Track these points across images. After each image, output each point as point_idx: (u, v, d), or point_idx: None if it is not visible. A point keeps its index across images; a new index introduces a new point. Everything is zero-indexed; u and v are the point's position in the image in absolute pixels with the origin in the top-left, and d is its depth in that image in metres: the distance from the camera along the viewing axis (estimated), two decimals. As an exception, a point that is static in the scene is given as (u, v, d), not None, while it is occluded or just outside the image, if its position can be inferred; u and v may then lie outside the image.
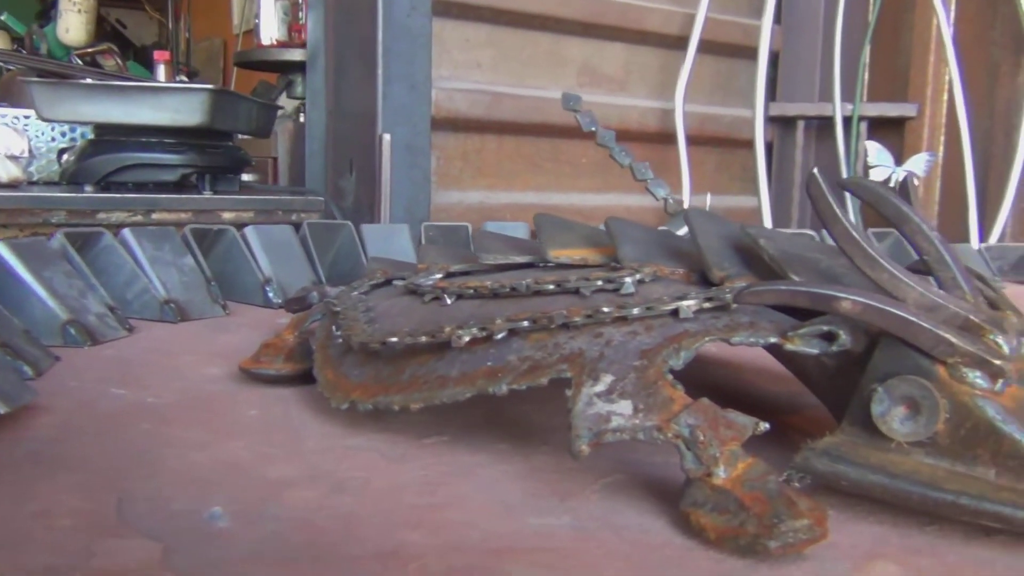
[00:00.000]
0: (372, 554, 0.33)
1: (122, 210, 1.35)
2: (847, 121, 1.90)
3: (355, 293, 0.59)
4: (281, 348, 0.57)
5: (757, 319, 0.41)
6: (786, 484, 0.38)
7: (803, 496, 0.36)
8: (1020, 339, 0.40)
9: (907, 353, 0.38)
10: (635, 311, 0.42)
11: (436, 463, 0.43)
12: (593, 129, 0.94)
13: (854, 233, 0.39)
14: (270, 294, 0.82)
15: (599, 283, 0.46)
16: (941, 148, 1.91)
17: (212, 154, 1.53)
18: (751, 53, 1.86)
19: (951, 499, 0.35)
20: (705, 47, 1.88)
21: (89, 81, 1.63)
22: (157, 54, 2.05)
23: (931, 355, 0.37)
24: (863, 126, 1.93)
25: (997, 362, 0.37)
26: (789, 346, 0.40)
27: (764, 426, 0.37)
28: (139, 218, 1.37)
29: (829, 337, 0.39)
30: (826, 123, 1.93)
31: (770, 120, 2.03)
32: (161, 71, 2.02)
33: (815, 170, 0.39)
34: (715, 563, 0.33)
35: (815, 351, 0.40)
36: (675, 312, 0.42)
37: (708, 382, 0.61)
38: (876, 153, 1.76)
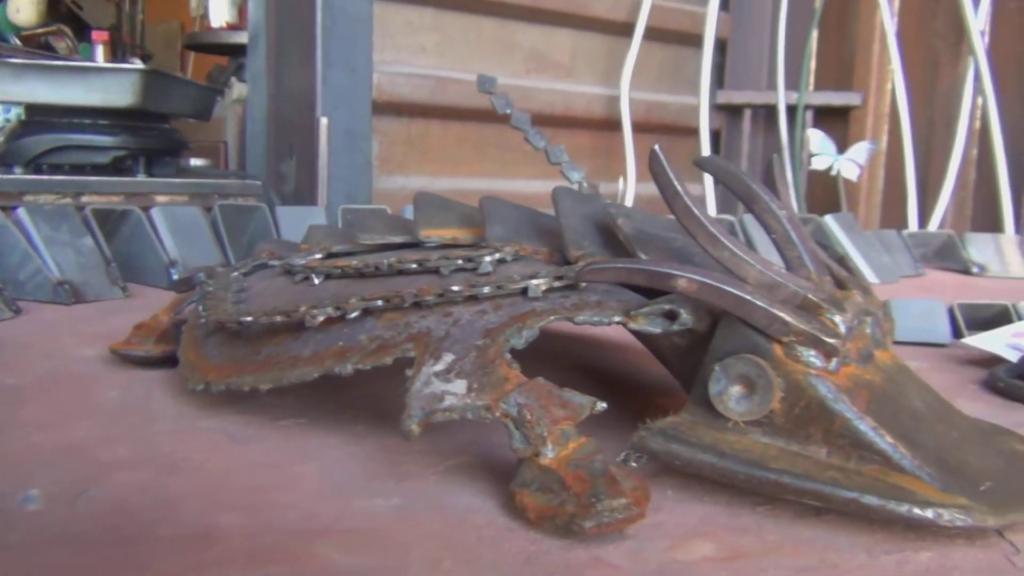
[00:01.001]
0: (180, 536, 0.32)
1: (50, 192, 1.31)
2: (793, 110, 1.91)
3: (235, 274, 0.57)
4: (153, 329, 0.56)
5: (606, 298, 0.41)
6: (623, 464, 0.38)
7: (631, 476, 0.35)
8: (862, 318, 0.40)
9: (745, 332, 0.37)
10: (485, 290, 0.42)
11: (283, 445, 0.42)
12: (508, 112, 0.92)
13: (695, 210, 0.38)
14: (174, 276, 0.81)
15: (459, 262, 0.45)
16: (885, 137, 1.92)
17: (147, 136, 1.50)
18: (699, 40, 1.87)
19: (774, 478, 0.34)
20: (652, 34, 1.88)
21: (15, 60, 1.58)
22: (96, 34, 2.00)
23: (767, 334, 0.37)
24: (808, 114, 1.94)
25: (831, 341, 0.37)
26: (632, 325, 0.39)
27: (601, 406, 0.37)
28: (68, 201, 1.34)
29: (671, 316, 0.39)
30: (773, 111, 1.93)
31: (718, 108, 2.04)
32: (99, 52, 1.97)
33: (656, 147, 0.39)
34: (531, 543, 0.33)
35: (658, 330, 0.39)
36: (525, 291, 0.41)
37: (597, 364, 0.60)
38: (818, 141, 1.77)
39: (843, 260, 0.45)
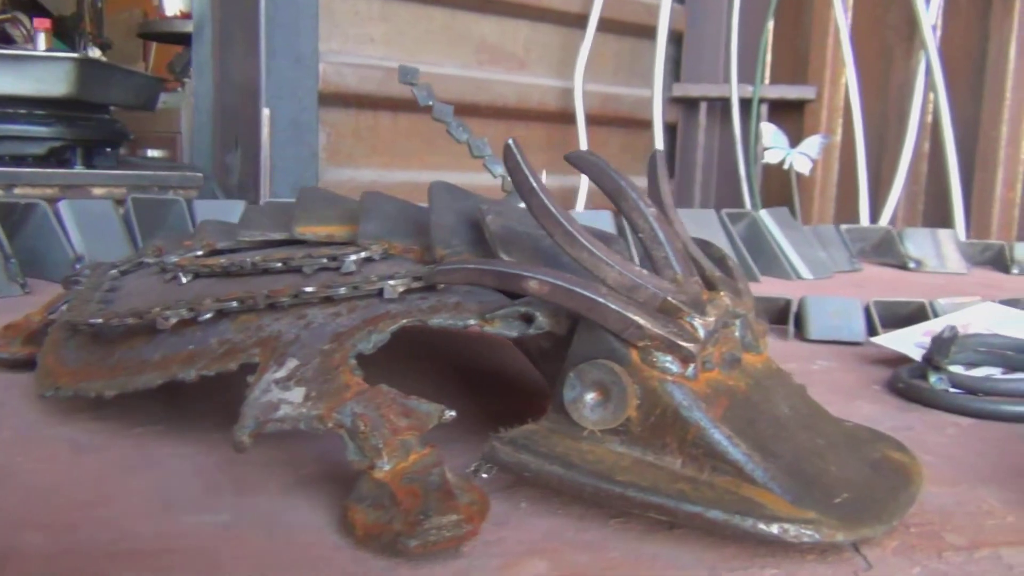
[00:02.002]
0: (-26, 559, 0.30)
1: (-18, 183, 1.28)
2: (748, 103, 1.90)
3: (113, 271, 0.55)
4: (23, 330, 0.53)
5: (466, 300, 0.39)
6: (473, 475, 0.36)
7: (473, 489, 0.34)
8: (729, 321, 0.38)
9: (602, 336, 0.36)
10: (341, 291, 0.40)
11: (129, 455, 0.40)
12: (430, 103, 0.90)
13: (552, 208, 0.36)
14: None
15: (323, 261, 0.43)
16: (839, 131, 1.92)
17: (84, 127, 1.47)
18: (655, 33, 1.85)
19: (619, 491, 0.33)
20: (608, 26, 1.86)
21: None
22: (37, 22, 1.95)
23: (623, 338, 0.35)
24: (764, 108, 1.94)
25: (688, 346, 0.35)
26: (488, 328, 0.37)
27: (450, 414, 0.35)
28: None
29: (528, 319, 0.37)
30: (729, 105, 1.92)
31: (674, 101, 2.02)
32: (41, 40, 1.92)
33: (510, 140, 0.37)
34: (354, 563, 0.31)
35: (514, 333, 0.37)
36: (381, 292, 0.39)
37: (494, 363, 0.59)
38: (771, 135, 1.76)
39: (723, 260, 0.44)
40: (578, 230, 0.37)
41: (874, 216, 1.76)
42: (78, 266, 0.79)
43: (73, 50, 2.98)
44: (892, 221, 1.76)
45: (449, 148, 1.92)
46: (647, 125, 1.91)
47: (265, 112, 1.49)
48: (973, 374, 0.55)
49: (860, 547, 0.33)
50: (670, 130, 2.08)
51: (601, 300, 0.35)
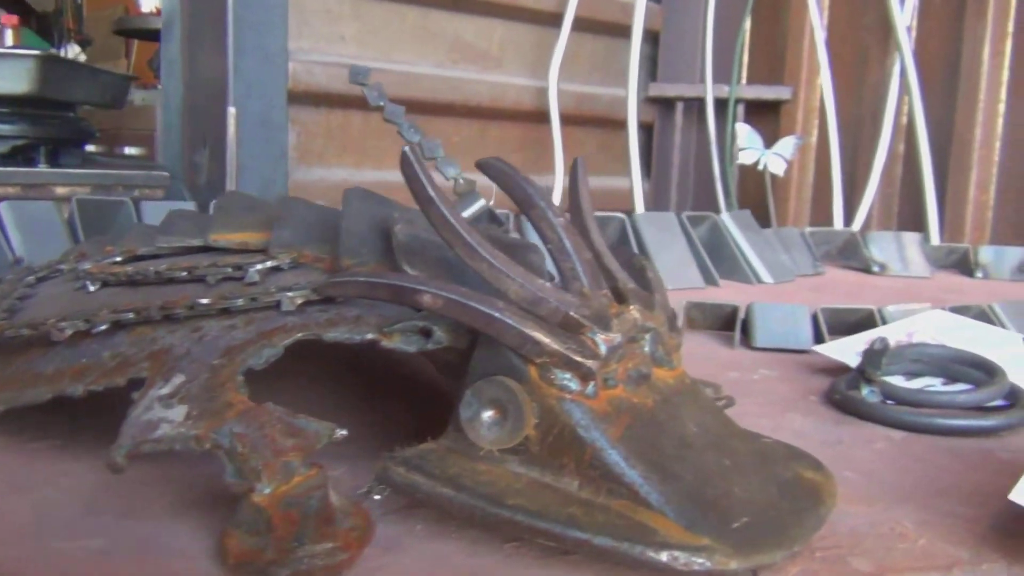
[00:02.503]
0: None
1: (-62, 183, 1.25)
2: (724, 103, 1.89)
3: (30, 277, 0.53)
4: (-68, 339, 0.52)
5: (367, 313, 0.37)
6: (364, 497, 0.35)
7: (356, 513, 0.32)
8: (639, 336, 0.37)
9: (503, 352, 0.34)
10: (239, 302, 0.38)
11: (16, 472, 0.38)
12: (381, 104, 0.89)
13: (450, 218, 0.35)
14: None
15: (228, 270, 0.42)
16: (815, 132, 1.91)
17: (48, 125, 1.45)
18: (631, 32, 1.83)
19: (508, 515, 0.31)
20: (584, 25, 1.84)
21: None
22: (4, 18, 1.93)
23: (522, 354, 0.34)
24: (740, 108, 1.93)
25: (587, 363, 0.34)
26: (386, 343, 0.36)
27: (341, 433, 0.34)
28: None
29: (427, 333, 0.36)
30: (706, 105, 1.91)
31: (650, 101, 2.01)
32: (8, 36, 1.90)
33: (406, 148, 0.35)
34: (222, 593, 0.29)
35: (412, 348, 0.36)
36: (279, 304, 0.38)
37: (415, 377, 0.57)
38: (746, 136, 1.75)
39: (643, 270, 0.42)
40: (478, 241, 0.35)
41: (848, 218, 1.75)
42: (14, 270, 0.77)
43: (53, 46, 2.95)
44: (866, 223, 1.75)
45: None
46: (624, 125, 1.90)
47: (231, 111, 1.47)
48: (910, 385, 0.54)
49: (758, 574, 0.32)
50: (647, 130, 2.06)
51: (497, 315, 0.33)
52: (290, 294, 0.38)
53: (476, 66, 1.81)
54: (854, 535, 0.35)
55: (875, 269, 1.07)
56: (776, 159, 1.72)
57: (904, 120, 1.74)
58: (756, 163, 1.72)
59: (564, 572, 0.32)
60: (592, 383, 0.34)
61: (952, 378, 0.54)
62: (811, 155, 1.93)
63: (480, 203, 0.83)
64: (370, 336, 0.36)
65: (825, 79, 1.73)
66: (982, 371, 0.52)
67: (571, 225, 0.38)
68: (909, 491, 0.40)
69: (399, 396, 0.51)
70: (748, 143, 1.74)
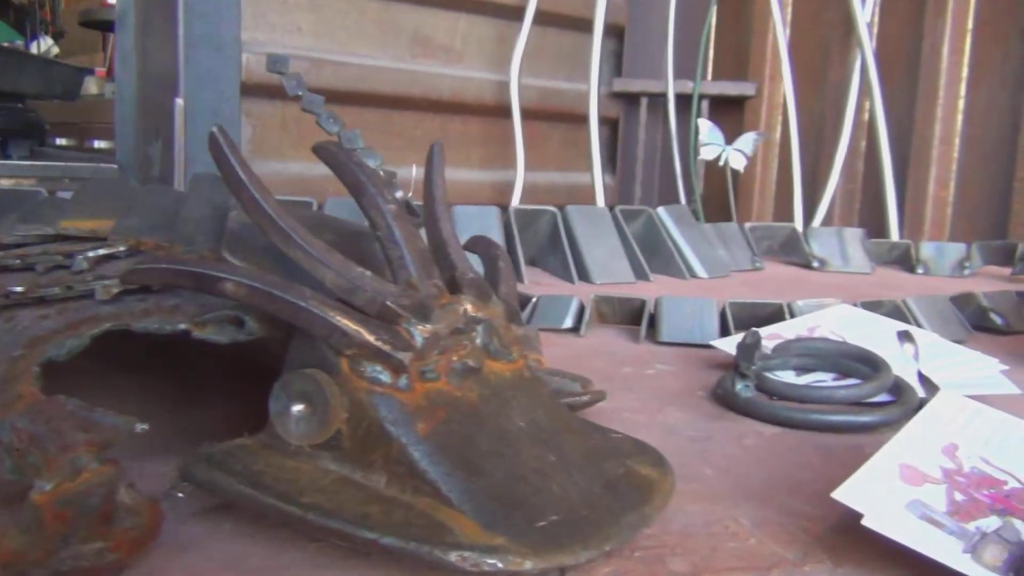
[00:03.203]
0: None
1: None
2: (689, 99, 1.88)
3: None
4: None
5: (186, 302, 0.36)
6: (167, 495, 0.33)
7: (144, 511, 0.31)
8: (470, 327, 0.35)
9: (316, 344, 0.33)
10: (54, 290, 0.37)
11: None
12: (299, 94, 0.87)
13: (263, 203, 0.33)
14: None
15: (58, 258, 0.40)
16: (779, 128, 1.90)
17: (-3, 117, 1.43)
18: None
19: (299, 514, 0.30)
20: (547, 19, 1.83)
21: None
22: (-41, 8, 1.90)
23: (331, 345, 0.32)
24: (705, 104, 1.92)
25: (399, 355, 0.32)
26: (198, 333, 0.35)
27: (141, 427, 0.32)
28: None
29: (239, 323, 0.34)
30: (674, 100, 1.90)
31: (615, 96, 2.00)
32: (-38, 26, 1.87)
33: (215, 128, 0.34)
34: (-18, 595, 0.28)
35: (225, 339, 0.34)
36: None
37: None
38: (707, 131, 1.74)
39: (495, 260, 0.41)
40: (292, 227, 0.34)
41: (808, 214, 1.74)
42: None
43: (25, 38, 2.92)
44: (827, 219, 1.74)
45: (383, 142, 1.89)
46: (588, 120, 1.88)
47: (179, 102, 1.45)
48: (800, 381, 0.52)
49: (566, 573, 0.30)
50: (613, 125, 2.05)
51: (304, 305, 0.32)
52: (106, 282, 0.36)
53: (437, 60, 1.79)
54: (685, 534, 0.34)
55: (815, 265, 1.06)
56: (737, 155, 1.71)
57: (866, 116, 1.73)
58: (718, 159, 1.71)
59: (365, 572, 0.30)
60: (404, 376, 0.32)
61: (844, 373, 0.53)
62: (775, 151, 1.92)
63: (397, 195, 0.82)
64: (182, 326, 0.35)
65: (786, 75, 1.72)
66: (869, 366, 0.50)
67: (403, 213, 0.37)
68: (760, 488, 0.39)
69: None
70: (710, 139, 1.73)
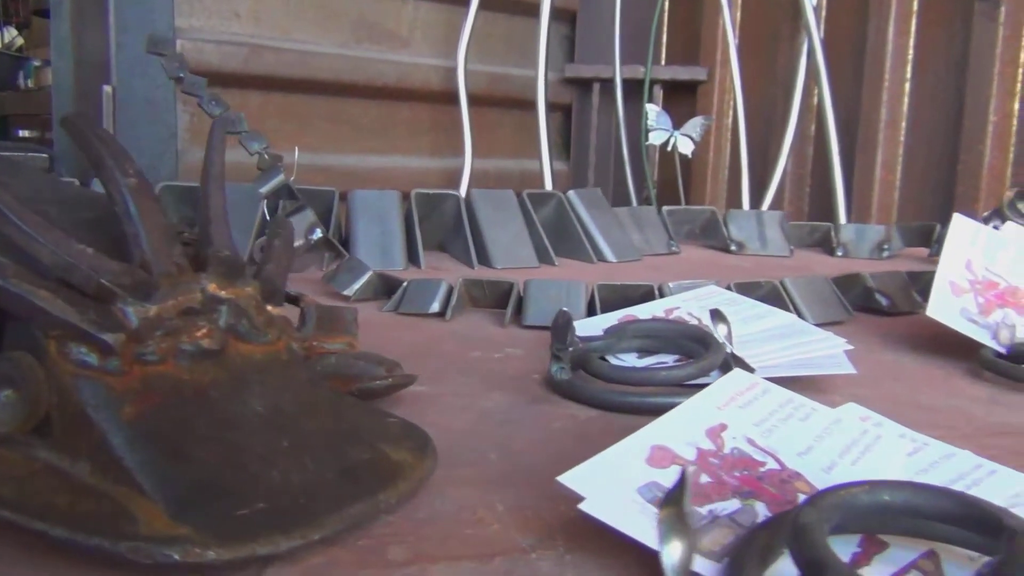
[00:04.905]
0: None
1: None
2: (641, 84, 1.86)
3: None
4: None
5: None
6: None
7: None
8: (212, 307, 0.34)
9: (28, 326, 0.31)
10: None
11: None
12: (180, 76, 0.85)
13: (-27, 179, 0.32)
14: None
15: None
16: (731, 113, 1.88)
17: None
18: (552, 11, 1.80)
19: (-26, 504, 0.28)
20: (496, 5, 1.81)
21: None
22: None
23: (39, 328, 0.31)
24: (657, 89, 1.90)
25: (104, 336, 0.31)
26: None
27: None
28: None
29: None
30: (627, 86, 1.88)
31: (569, 82, 1.98)
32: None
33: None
34: None
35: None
36: None
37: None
38: (655, 116, 1.72)
39: (272, 238, 0.39)
40: (7, 204, 0.32)
41: (757, 199, 1.72)
42: None
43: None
44: (776, 203, 1.72)
45: (329, 129, 1.86)
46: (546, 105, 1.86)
47: (107, 89, 1.43)
48: (636, 362, 0.51)
49: (270, 565, 0.29)
50: (567, 111, 2.04)
51: (1, 283, 0.30)
52: None
53: (382, 46, 1.77)
54: (427, 520, 0.32)
55: (733, 248, 1.04)
56: (685, 140, 1.69)
57: (815, 100, 1.72)
58: (665, 144, 1.70)
59: (52, 564, 0.29)
60: (114, 358, 0.31)
61: (685, 354, 0.51)
62: (727, 136, 1.91)
63: (278, 178, 0.80)
64: None
65: (733, 60, 1.70)
66: (704, 346, 0.49)
67: (144, 187, 0.35)
68: (535, 472, 0.37)
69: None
70: (658, 124, 1.72)
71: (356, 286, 0.69)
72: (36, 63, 2.55)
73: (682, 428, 0.34)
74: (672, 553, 0.22)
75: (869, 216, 1.66)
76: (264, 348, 0.35)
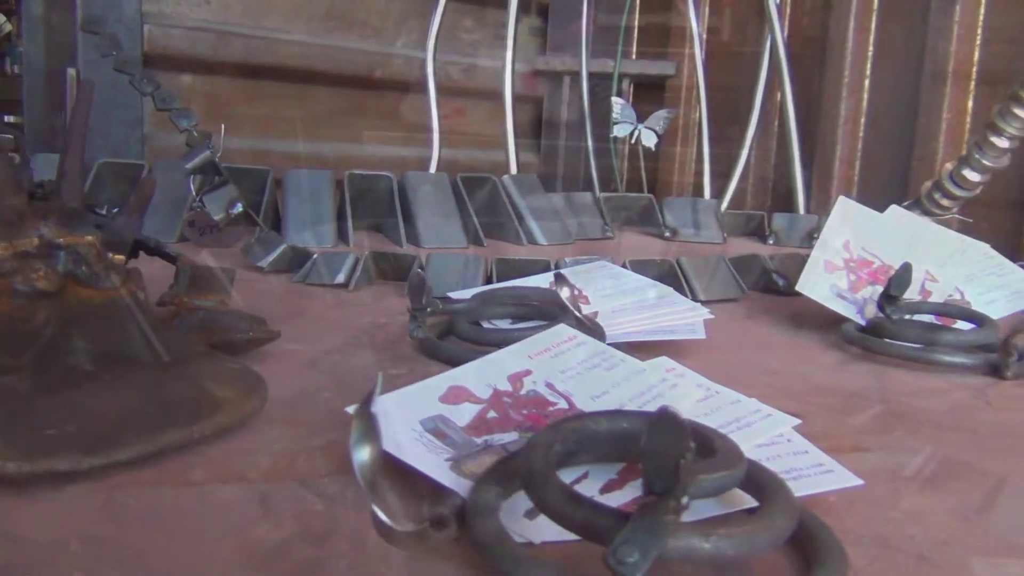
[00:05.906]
0: None
1: None
2: (610, 78, 1.89)
3: None
4: None
5: None
6: None
7: None
8: (53, 254, 0.36)
9: None
10: None
11: None
12: (113, 54, 0.88)
13: None
14: None
15: None
16: (698, 107, 1.91)
17: None
18: (524, 4, 1.82)
19: None
20: (468, -5, 1.83)
21: None
22: None
23: None
24: (630, 84, 1.93)
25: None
26: None
27: None
28: None
29: None
30: (595, 78, 1.90)
31: (540, 74, 2.01)
32: None
33: None
34: None
35: None
36: None
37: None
38: (620, 109, 1.75)
39: (128, 196, 0.42)
40: None
41: (720, 192, 1.74)
42: None
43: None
44: (739, 196, 1.75)
45: (296, 116, 1.88)
46: (517, 97, 1.88)
47: (70, 72, 1.45)
48: (505, 326, 0.53)
49: (72, 482, 0.31)
50: (539, 103, 2.06)
51: None
52: None
53: (353, 34, 1.79)
54: (237, 451, 0.35)
55: (667, 234, 1.06)
56: (648, 133, 1.72)
57: (778, 96, 1.74)
58: (630, 136, 1.72)
59: None
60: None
61: (551, 318, 0.54)
62: (693, 131, 1.93)
63: (204, 155, 0.83)
64: None
65: (697, 54, 1.73)
66: (563, 310, 0.51)
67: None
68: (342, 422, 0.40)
69: None
70: (622, 117, 1.74)
71: (269, 258, 0.71)
72: (22, 49, 2.57)
73: (487, 372, 0.37)
74: (361, 453, 0.24)
75: (828, 210, 1.69)
76: (104, 294, 0.38)
